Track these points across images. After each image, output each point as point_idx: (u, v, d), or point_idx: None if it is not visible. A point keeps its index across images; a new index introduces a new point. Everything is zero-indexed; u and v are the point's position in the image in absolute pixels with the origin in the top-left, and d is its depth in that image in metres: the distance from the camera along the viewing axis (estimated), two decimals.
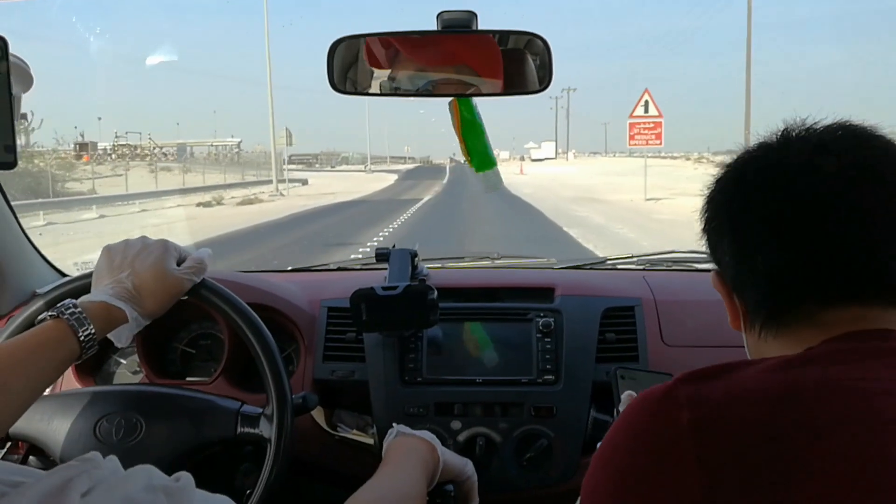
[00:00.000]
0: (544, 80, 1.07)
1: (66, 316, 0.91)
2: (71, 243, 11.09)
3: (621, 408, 1.00)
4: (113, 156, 40.41)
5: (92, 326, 0.92)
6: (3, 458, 1.09)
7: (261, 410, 1.08)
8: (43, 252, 1.54)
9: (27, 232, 1.48)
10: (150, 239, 1.05)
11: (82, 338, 0.91)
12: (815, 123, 0.67)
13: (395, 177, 42.97)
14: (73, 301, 0.94)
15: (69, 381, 1.31)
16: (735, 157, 0.71)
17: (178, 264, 1.04)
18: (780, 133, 0.68)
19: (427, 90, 1.07)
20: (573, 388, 1.27)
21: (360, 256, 2.05)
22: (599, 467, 0.61)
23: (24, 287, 1.43)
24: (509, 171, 50.51)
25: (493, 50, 1.07)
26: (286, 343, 1.41)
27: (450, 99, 1.11)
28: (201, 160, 44.16)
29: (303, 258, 9.49)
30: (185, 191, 25.95)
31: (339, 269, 1.78)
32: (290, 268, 1.83)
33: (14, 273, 1.41)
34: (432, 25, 1.03)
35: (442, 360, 1.32)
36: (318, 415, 1.35)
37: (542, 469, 1.24)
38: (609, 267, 1.78)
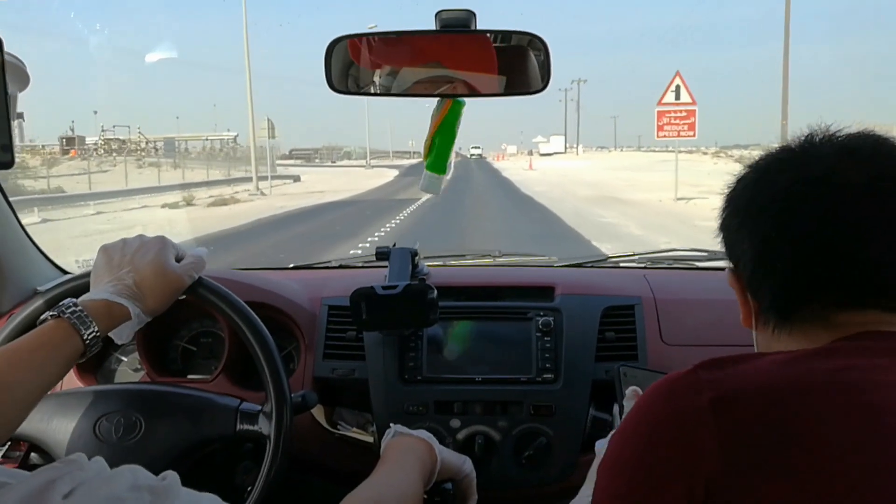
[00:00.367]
0: (543, 79, 1.07)
1: (66, 315, 0.91)
2: None
3: (626, 403, 1.00)
4: (100, 150, 38.96)
5: (95, 325, 0.92)
6: (4, 457, 1.09)
7: (259, 408, 1.08)
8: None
9: (27, 229, 1.47)
10: (148, 236, 1.06)
11: (86, 337, 0.91)
12: (838, 130, 0.68)
13: (395, 172, 41.40)
14: (74, 300, 0.94)
15: (70, 379, 1.31)
16: (758, 158, 0.72)
17: (177, 261, 1.05)
18: (804, 137, 0.69)
19: (426, 91, 1.07)
20: (572, 387, 1.27)
21: (360, 253, 2.05)
22: (619, 447, 0.63)
23: (24, 284, 1.42)
24: (518, 166, 48.96)
25: (491, 50, 1.07)
26: (286, 341, 1.41)
27: None
28: (196, 155, 43.37)
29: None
30: (158, 189, 22.94)
31: (340, 266, 1.79)
32: (291, 265, 1.84)
33: (14, 270, 1.41)
34: (432, 25, 1.02)
35: (442, 359, 1.32)
36: (318, 413, 1.35)
37: (541, 467, 1.25)
38: (610, 265, 1.78)
